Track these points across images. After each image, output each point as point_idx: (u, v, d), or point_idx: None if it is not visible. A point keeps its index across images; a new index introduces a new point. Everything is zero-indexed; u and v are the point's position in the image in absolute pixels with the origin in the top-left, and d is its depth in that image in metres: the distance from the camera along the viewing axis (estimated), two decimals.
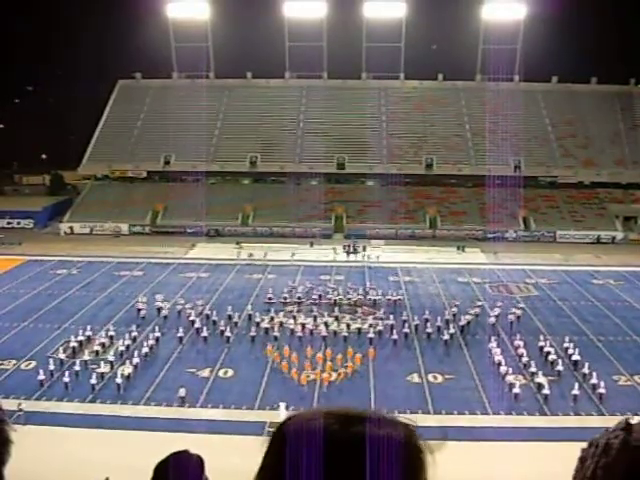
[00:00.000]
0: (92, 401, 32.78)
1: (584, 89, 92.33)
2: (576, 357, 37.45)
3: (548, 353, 38.13)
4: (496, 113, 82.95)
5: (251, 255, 63.31)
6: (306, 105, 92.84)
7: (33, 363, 37.09)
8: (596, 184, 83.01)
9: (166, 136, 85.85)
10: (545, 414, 31.89)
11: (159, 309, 45.65)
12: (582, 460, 1.82)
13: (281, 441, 1.71)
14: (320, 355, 37.31)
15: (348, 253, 66.54)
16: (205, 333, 41.08)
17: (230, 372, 36.70)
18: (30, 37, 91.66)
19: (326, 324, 43.02)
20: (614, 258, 64.84)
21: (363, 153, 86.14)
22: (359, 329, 42.71)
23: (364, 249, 67.69)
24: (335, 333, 42.00)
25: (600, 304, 50.32)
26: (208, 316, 44.24)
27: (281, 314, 45.47)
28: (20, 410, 29.47)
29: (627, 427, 1.74)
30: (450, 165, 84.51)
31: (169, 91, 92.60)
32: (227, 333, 41.18)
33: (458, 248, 68.62)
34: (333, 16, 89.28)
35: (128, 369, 35.61)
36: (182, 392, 33.08)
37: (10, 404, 30.48)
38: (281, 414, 27.50)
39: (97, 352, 38.55)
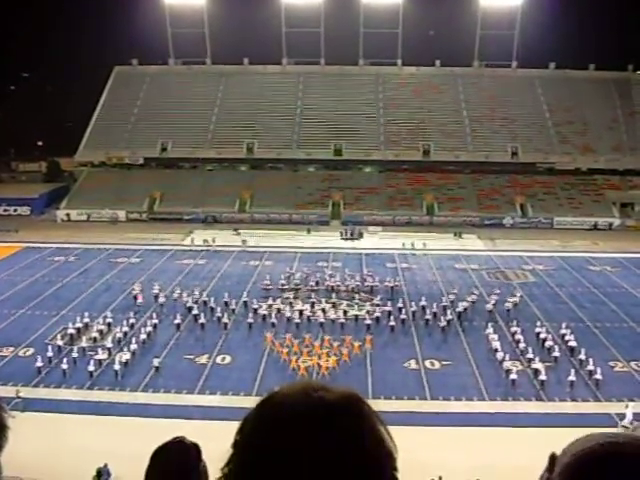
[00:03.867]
0: (90, 388, 32.88)
1: (582, 75, 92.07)
2: (573, 343, 37.61)
3: (545, 339, 38.25)
4: (493, 99, 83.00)
5: (206, 241, 63.37)
6: (303, 91, 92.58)
7: (31, 350, 37.13)
8: (593, 170, 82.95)
9: (163, 123, 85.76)
10: (542, 400, 32.03)
11: (156, 296, 45.68)
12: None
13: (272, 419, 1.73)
14: (317, 343, 37.44)
15: (351, 239, 66.91)
16: (203, 320, 41.15)
17: (228, 358, 36.80)
18: (26, 24, 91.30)
19: (323, 310, 43.09)
20: (611, 244, 64.92)
21: (360, 139, 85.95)
22: (356, 316, 42.77)
23: (361, 235, 67.92)
24: (332, 320, 42.07)
25: (597, 290, 50.46)
26: (205, 303, 44.30)
27: (278, 301, 45.55)
28: (18, 397, 29.61)
29: (549, 466, 1.77)
30: (447, 151, 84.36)
31: (166, 77, 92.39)
32: (224, 320, 41.27)
33: (455, 234, 68.65)
34: (330, 2, 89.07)
35: (126, 356, 35.67)
36: (155, 362, 34.37)
37: (8, 391, 30.64)
38: None
39: (95, 339, 38.62)
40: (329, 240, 66.31)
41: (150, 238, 65.59)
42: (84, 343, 37.77)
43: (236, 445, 1.79)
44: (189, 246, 62.76)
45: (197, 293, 46.09)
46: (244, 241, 63.58)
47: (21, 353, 37.10)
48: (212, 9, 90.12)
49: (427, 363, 36.31)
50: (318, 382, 1.80)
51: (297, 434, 1.65)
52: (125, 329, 39.60)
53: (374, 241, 66.69)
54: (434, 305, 43.62)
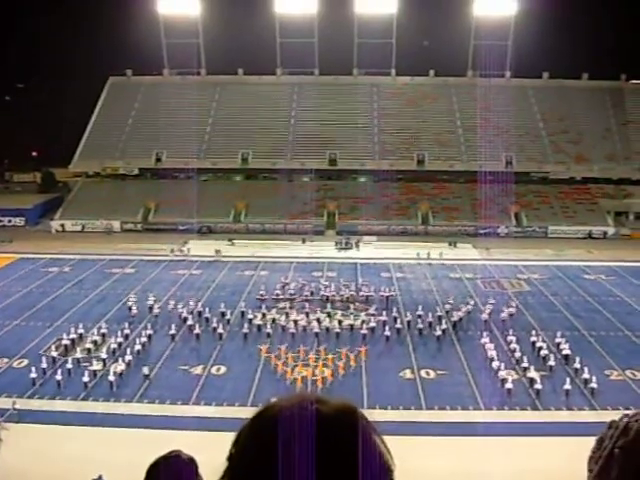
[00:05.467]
0: (85, 399, 32.74)
1: (575, 85, 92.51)
2: (568, 352, 37.61)
3: (540, 348, 38.26)
4: (487, 109, 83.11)
5: (182, 251, 63.55)
6: (297, 101, 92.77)
7: (25, 361, 36.97)
8: (588, 179, 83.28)
9: (157, 133, 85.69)
10: (537, 409, 32.00)
11: (151, 307, 45.56)
12: (600, 441, 1.83)
13: (268, 429, 1.72)
14: (312, 355, 37.39)
15: (345, 248, 66.91)
16: (197, 330, 41.07)
17: (223, 369, 36.70)
18: (21, 35, 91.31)
19: (318, 320, 43.04)
20: (606, 253, 65.02)
21: (355, 149, 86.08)
22: (351, 325, 42.76)
23: (357, 245, 67.92)
24: (327, 329, 42.01)
25: (592, 299, 50.49)
26: (200, 313, 44.25)
27: (273, 311, 45.49)
28: (14, 409, 29.54)
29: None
30: (442, 161, 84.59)
31: (160, 88, 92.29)
32: (219, 330, 41.19)
33: (450, 244, 68.64)
34: (324, 12, 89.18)
35: (121, 367, 35.54)
36: (145, 370, 34.73)
37: (3, 402, 30.55)
38: None
39: (89, 350, 38.46)
40: (324, 250, 66.31)
41: (145, 248, 65.48)
42: (78, 354, 37.63)
43: (231, 458, 1.78)
44: (166, 255, 62.68)
45: (192, 304, 46.02)
46: (217, 251, 63.40)
47: (15, 364, 36.93)
48: (207, 20, 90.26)
49: (422, 373, 36.25)
50: (314, 394, 1.79)
51: (292, 448, 1.63)
52: (120, 340, 39.46)
53: (369, 251, 66.69)
54: (429, 314, 43.63)
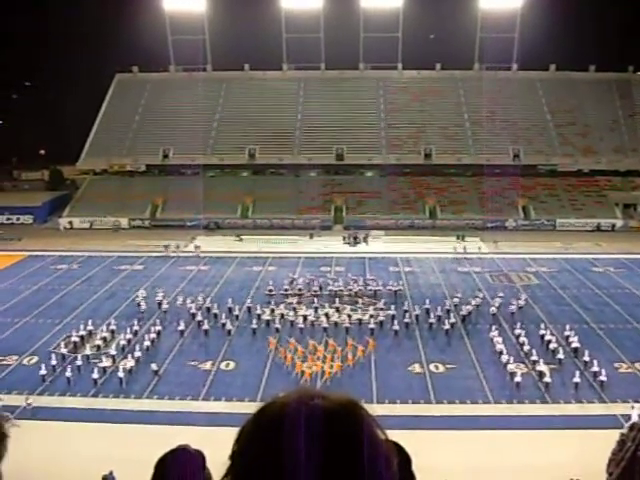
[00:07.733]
0: (94, 395, 32.86)
1: (582, 77, 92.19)
2: (577, 345, 37.55)
3: (549, 341, 38.19)
4: (494, 102, 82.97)
5: (167, 247, 63.41)
6: (304, 96, 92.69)
7: (35, 358, 37.12)
8: (595, 172, 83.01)
9: (164, 129, 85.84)
10: (547, 402, 31.93)
11: (160, 303, 45.65)
12: (621, 443, 1.81)
13: (272, 425, 1.72)
14: (321, 347, 37.41)
15: (354, 243, 66.84)
16: (206, 326, 41.12)
17: (232, 364, 36.75)
18: (28, 33, 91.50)
19: (327, 315, 43.07)
20: (614, 246, 64.85)
21: (362, 144, 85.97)
22: (360, 320, 42.76)
23: (365, 240, 67.85)
24: (336, 324, 42.04)
25: (600, 292, 50.35)
26: (209, 309, 44.31)
27: (282, 306, 45.49)
28: (28, 404, 29.77)
29: None
30: (449, 155, 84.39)
31: (167, 84, 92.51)
32: (228, 326, 41.23)
33: (458, 238, 68.48)
34: (330, 7, 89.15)
35: (130, 363, 35.66)
36: (154, 366, 34.90)
37: (13, 399, 30.69)
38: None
39: (99, 346, 38.58)
40: (332, 245, 66.28)
41: (153, 245, 65.58)
42: (88, 351, 37.75)
43: (234, 456, 1.79)
44: (173, 251, 62.80)
45: (200, 299, 46.11)
46: (197, 247, 63.36)
47: (25, 361, 37.08)
48: (212, 16, 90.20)
49: (431, 367, 36.24)
50: (315, 389, 1.80)
51: (294, 443, 1.64)
52: (129, 336, 39.58)
53: (379, 245, 66.62)
54: (438, 308, 43.61)
